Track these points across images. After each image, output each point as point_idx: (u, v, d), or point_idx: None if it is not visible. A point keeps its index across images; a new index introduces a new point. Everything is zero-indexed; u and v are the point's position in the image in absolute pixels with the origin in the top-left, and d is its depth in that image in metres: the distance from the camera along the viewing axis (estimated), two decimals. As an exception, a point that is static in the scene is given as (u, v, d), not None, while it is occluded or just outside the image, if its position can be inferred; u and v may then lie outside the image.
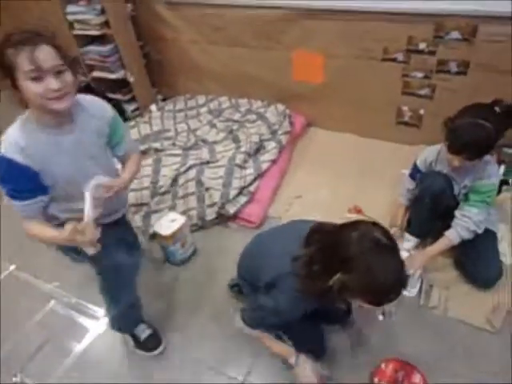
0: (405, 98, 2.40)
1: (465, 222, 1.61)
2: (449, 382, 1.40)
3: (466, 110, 1.49)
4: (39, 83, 1.03)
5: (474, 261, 1.67)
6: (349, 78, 2.50)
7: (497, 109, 1.48)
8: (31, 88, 1.03)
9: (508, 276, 1.71)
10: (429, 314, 1.63)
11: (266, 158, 2.39)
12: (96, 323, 1.75)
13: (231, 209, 2.10)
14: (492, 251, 1.70)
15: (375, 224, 1.06)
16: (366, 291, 1.03)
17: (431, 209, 1.68)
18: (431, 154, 1.72)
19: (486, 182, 1.57)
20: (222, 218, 2.14)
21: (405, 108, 2.44)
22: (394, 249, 1.03)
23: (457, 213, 1.65)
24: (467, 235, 1.62)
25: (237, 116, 2.80)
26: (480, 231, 1.62)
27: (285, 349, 1.39)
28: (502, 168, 2.12)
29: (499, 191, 2.03)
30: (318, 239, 1.13)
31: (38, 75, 1.02)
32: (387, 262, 1.00)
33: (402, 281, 1.03)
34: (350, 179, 2.32)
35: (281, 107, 2.76)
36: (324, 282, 1.05)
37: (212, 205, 2.13)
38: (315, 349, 1.46)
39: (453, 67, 2.16)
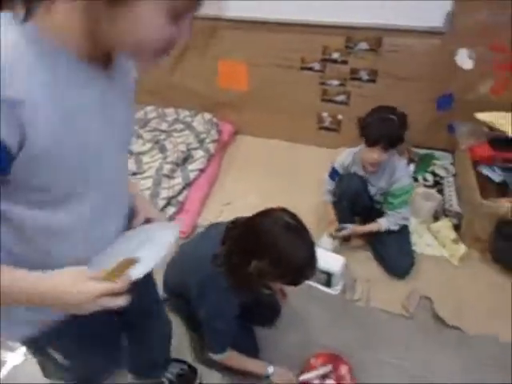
0: (324, 105, 2.54)
1: (395, 217, 1.78)
2: (374, 370, 1.49)
3: (374, 110, 1.66)
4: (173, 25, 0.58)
5: (391, 252, 1.82)
6: (272, 87, 2.59)
7: (397, 111, 1.64)
8: (158, 25, 0.57)
9: (419, 264, 1.87)
10: (353, 307, 1.73)
11: (194, 167, 2.39)
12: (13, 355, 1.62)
13: (160, 220, 2.05)
14: (406, 243, 1.86)
15: (284, 210, 1.15)
16: (282, 272, 1.10)
17: (349, 208, 1.81)
18: (347, 156, 1.84)
19: (398, 185, 1.73)
20: (151, 230, 2.09)
21: (324, 114, 2.58)
22: (302, 230, 1.12)
23: (386, 210, 1.81)
24: (394, 226, 1.80)
25: (164, 126, 2.76)
26: (405, 223, 1.83)
27: (259, 363, 1.41)
28: (412, 166, 2.34)
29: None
30: (234, 233, 1.19)
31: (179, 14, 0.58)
32: (298, 242, 1.08)
33: (314, 258, 1.11)
34: (277, 183, 2.39)
35: (208, 116, 2.77)
36: (244, 271, 1.10)
37: (140, 217, 2.07)
38: (249, 350, 1.48)
39: (363, 75, 2.34)
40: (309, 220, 2.04)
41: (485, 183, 1.89)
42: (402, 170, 1.73)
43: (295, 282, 1.15)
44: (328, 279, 1.74)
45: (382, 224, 1.79)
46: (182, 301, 1.43)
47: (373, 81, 2.35)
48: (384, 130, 1.61)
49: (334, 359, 1.46)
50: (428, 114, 2.33)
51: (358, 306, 1.73)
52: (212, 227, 1.41)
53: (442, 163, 2.36)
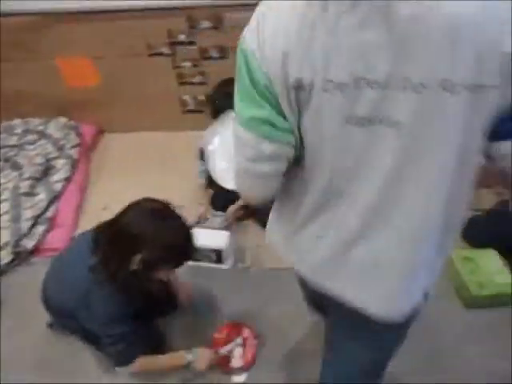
0: (183, 88, 2.53)
1: None
2: (276, 324, 1.61)
3: (220, 85, 1.69)
4: None
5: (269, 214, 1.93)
6: (125, 78, 2.48)
7: None
8: None
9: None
10: (248, 274, 1.82)
11: (58, 177, 2.19)
12: None
13: (29, 243, 1.87)
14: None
15: (146, 198, 1.17)
16: (162, 257, 1.11)
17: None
18: (210, 135, 1.87)
19: None
20: (22, 257, 1.88)
21: (186, 97, 2.57)
22: (169, 212, 1.15)
23: None
24: None
25: (13, 140, 2.46)
26: None
27: (175, 355, 1.37)
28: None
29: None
30: (103, 237, 1.15)
31: None
32: (167, 224, 1.11)
33: (188, 235, 1.15)
34: (154, 176, 2.33)
35: (63, 120, 2.55)
36: (126, 271, 1.07)
37: (4, 246, 1.85)
38: (155, 343, 1.46)
39: (214, 53, 2.38)
40: (193, 204, 2.12)
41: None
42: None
43: (179, 262, 1.17)
44: (218, 256, 1.79)
45: None
46: (71, 321, 1.34)
47: (225, 57, 2.40)
48: (229, 106, 1.65)
49: (236, 326, 1.53)
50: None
51: (253, 272, 1.83)
52: (79, 238, 1.34)
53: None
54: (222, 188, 1.88)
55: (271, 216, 0.93)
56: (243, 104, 0.67)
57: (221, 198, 1.96)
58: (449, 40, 0.53)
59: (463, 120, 0.58)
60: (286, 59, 0.59)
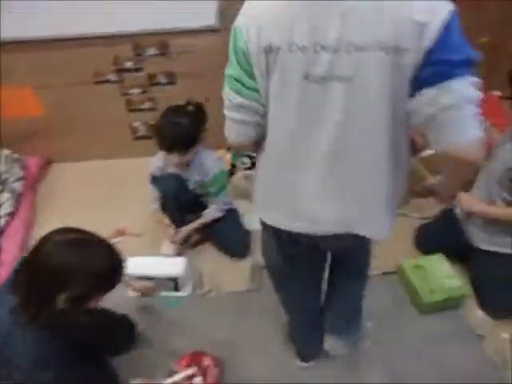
0: (133, 115, 2.50)
1: (217, 204, 1.88)
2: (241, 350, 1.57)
3: (163, 114, 1.69)
4: None
5: (227, 237, 1.93)
6: (73, 106, 2.43)
7: (190, 107, 1.72)
8: None
9: (257, 239, 2.03)
10: (206, 300, 1.78)
11: (0, 213, 2.07)
12: None
13: (-32, 286, 1.72)
14: (237, 224, 1.99)
15: (62, 229, 1.06)
16: (94, 287, 1.04)
17: (177, 208, 1.84)
18: (159, 159, 1.85)
19: (211, 175, 1.81)
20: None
21: (136, 124, 2.54)
22: (89, 239, 1.06)
23: (208, 202, 1.89)
24: (219, 213, 1.90)
25: (-51, 177, 2.31)
26: (230, 207, 1.95)
27: None
28: (229, 155, 2.50)
29: (233, 173, 2.39)
30: (23, 276, 1.05)
31: None
32: (93, 250, 1.03)
33: (113, 257, 1.08)
34: (106, 205, 2.27)
35: (6, 152, 2.43)
36: (52, 311, 0.99)
37: None
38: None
39: (162, 79, 2.38)
40: (147, 231, 2.07)
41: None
42: (210, 159, 1.82)
43: (111, 286, 1.09)
44: (175, 284, 1.74)
45: (208, 215, 1.87)
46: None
47: (173, 83, 2.41)
48: (175, 137, 1.64)
49: (196, 356, 1.48)
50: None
51: (212, 298, 1.79)
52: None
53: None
54: (176, 211, 1.86)
55: (258, 193, 1.10)
56: (228, 66, 0.89)
57: (180, 222, 1.93)
58: (377, 12, 0.73)
59: (392, 75, 0.77)
60: (260, 31, 0.80)
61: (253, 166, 2.43)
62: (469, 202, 1.66)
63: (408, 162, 0.97)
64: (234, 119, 0.93)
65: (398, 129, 0.86)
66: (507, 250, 1.61)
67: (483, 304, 1.67)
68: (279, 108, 0.88)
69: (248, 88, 0.87)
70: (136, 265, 1.73)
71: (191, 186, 1.85)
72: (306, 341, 1.51)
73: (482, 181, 1.68)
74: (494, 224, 1.61)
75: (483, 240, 1.67)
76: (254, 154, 2.43)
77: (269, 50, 0.80)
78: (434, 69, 0.74)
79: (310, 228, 1.00)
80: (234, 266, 1.93)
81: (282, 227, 1.04)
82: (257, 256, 1.95)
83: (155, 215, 2.06)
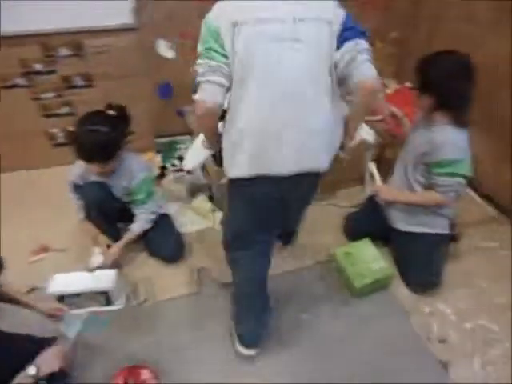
0: (49, 121, 2.33)
1: (144, 215, 1.79)
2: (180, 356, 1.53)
3: (80, 121, 1.58)
4: None
5: (159, 244, 1.87)
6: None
7: (111, 112, 1.62)
8: None
9: (191, 242, 2.00)
10: (142, 310, 1.71)
11: None
12: None
13: None
14: (169, 229, 1.93)
15: None
16: None
17: (103, 217, 1.74)
18: (79, 166, 1.74)
19: (137, 181, 1.73)
20: None
21: (54, 130, 2.37)
22: None
23: (135, 210, 1.79)
24: (147, 225, 1.82)
25: None
26: (159, 212, 1.88)
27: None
28: (158, 157, 2.43)
29: (163, 175, 2.33)
30: None
31: None
32: None
33: None
34: (28, 220, 2.10)
35: None
36: None
37: None
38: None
39: (78, 81, 2.24)
40: (74, 244, 1.94)
41: (220, 152, 2.13)
42: (136, 164, 1.74)
43: None
44: (107, 298, 1.65)
45: (135, 230, 1.79)
46: None
47: (90, 85, 2.27)
48: (93, 146, 1.53)
49: (133, 370, 1.42)
50: (155, 104, 2.45)
51: (148, 307, 1.72)
52: None
53: (186, 146, 2.55)
54: (103, 221, 1.76)
55: (227, 154, 1.25)
56: (201, 45, 1.15)
57: (110, 232, 1.84)
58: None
59: (326, 36, 1.15)
60: (229, 14, 1.11)
61: (181, 170, 2.37)
62: (388, 192, 1.77)
63: (342, 117, 1.30)
64: (210, 81, 1.12)
65: (332, 77, 1.19)
66: (422, 230, 1.74)
67: (406, 281, 1.80)
68: (247, 67, 1.13)
69: (220, 55, 1.12)
70: (61, 282, 1.63)
71: (117, 193, 1.76)
72: (250, 323, 1.51)
73: (398, 167, 1.80)
74: (409, 207, 1.73)
75: (402, 221, 1.79)
76: (185, 156, 2.37)
77: (236, 24, 1.09)
78: (349, 32, 1.16)
79: (282, 168, 1.20)
80: (170, 271, 1.87)
81: (264, 171, 1.21)
82: (193, 259, 1.93)
83: (82, 226, 1.94)
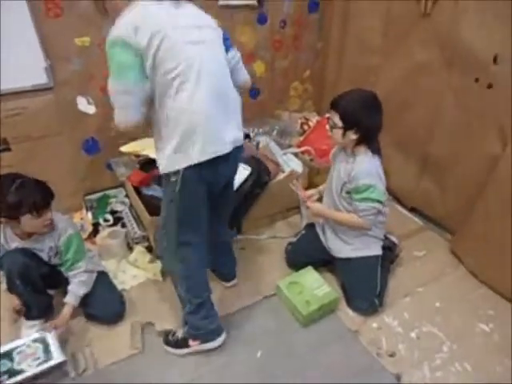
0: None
1: (77, 279, 1.69)
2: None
3: (6, 179, 1.52)
4: None
5: (99, 308, 1.75)
6: None
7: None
8: None
9: (134, 297, 1.90)
10: (84, 378, 1.57)
11: None
12: None
13: None
14: (110, 290, 1.83)
15: None
16: None
17: (26, 287, 1.61)
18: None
19: (64, 239, 1.65)
20: None
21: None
22: None
23: (68, 273, 1.69)
24: (83, 290, 1.70)
25: None
26: (95, 272, 1.78)
27: None
28: (90, 214, 2.33)
29: (97, 231, 2.22)
30: None
31: None
32: None
33: None
34: None
35: None
36: None
37: None
38: None
39: (-6, 146, 2.12)
40: (3, 317, 1.75)
41: (152, 201, 2.09)
42: (61, 222, 1.67)
43: None
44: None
45: (71, 301, 1.67)
46: None
47: (8, 149, 2.17)
48: (34, 192, 1.51)
49: None
50: (82, 161, 2.39)
51: (89, 376, 1.58)
52: None
53: (118, 199, 2.48)
54: (26, 292, 1.62)
55: (166, 150, 1.34)
56: (116, 69, 1.25)
57: (38, 303, 1.69)
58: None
59: (218, 40, 1.43)
60: (149, 27, 1.21)
61: (117, 220, 2.30)
62: (318, 208, 1.88)
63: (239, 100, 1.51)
64: (131, 99, 1.26)
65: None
66: (360, 254, 1.82)
67: (349, 305, 1.85)
68: (172, 65, 1.25)
69: (137, 72, 1.24)
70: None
71: (45, 256, 1.65)
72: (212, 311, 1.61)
73: (326, 194, 1.90)
74: (343, 234, 1.83)
75: (338, 250, 1.87)
76: (117, 208, 2.30)
77: (157, 32, 1.21)
78: (228, 41, 1.47)
79: (224, 148, 1.36)
80: (110, 332, 1.75)
81: (209, 155, 1.33)
82: (135, 315, 1.82)
83: (7, 298, 1.77)
